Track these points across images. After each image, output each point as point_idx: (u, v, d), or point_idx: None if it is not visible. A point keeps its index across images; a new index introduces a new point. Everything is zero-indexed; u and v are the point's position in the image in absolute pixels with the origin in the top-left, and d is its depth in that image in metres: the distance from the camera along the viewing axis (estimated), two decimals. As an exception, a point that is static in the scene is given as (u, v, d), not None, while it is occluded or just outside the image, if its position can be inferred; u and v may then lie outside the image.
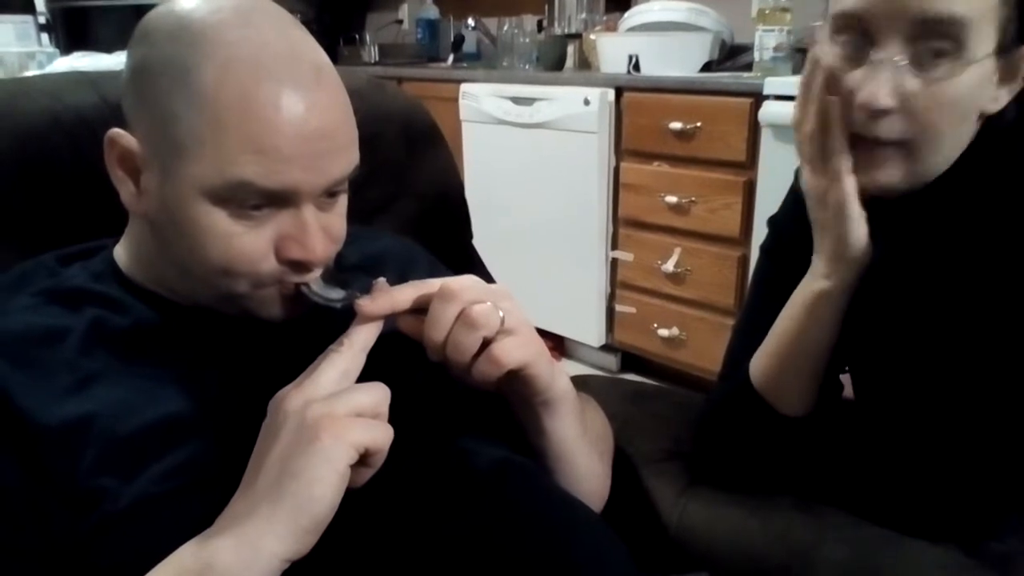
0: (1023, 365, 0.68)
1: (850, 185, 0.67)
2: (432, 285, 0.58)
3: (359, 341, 0.55)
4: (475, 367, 0.57)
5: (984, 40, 0.61)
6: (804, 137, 0.69)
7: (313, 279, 0.59)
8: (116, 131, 0.58)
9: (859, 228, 0.69)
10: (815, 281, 0.73)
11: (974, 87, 0.63)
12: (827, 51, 0.66)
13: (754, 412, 0.78)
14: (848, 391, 0.83)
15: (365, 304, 0.56)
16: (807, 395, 0.77)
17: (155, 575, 0.49)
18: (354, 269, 0.72)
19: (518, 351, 0.58)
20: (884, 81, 0.62)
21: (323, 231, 0.58)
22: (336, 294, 0.59)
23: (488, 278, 1.05)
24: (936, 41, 0.61)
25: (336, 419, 0.49)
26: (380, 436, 0.51)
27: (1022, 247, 0.67)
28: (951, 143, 0.66)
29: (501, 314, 0.57)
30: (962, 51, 0.61)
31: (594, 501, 0.73)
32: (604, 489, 0.75)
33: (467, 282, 0.58)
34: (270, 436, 0.51)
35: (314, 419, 0.49)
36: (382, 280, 0.58)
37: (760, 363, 0.78)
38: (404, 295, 0.57)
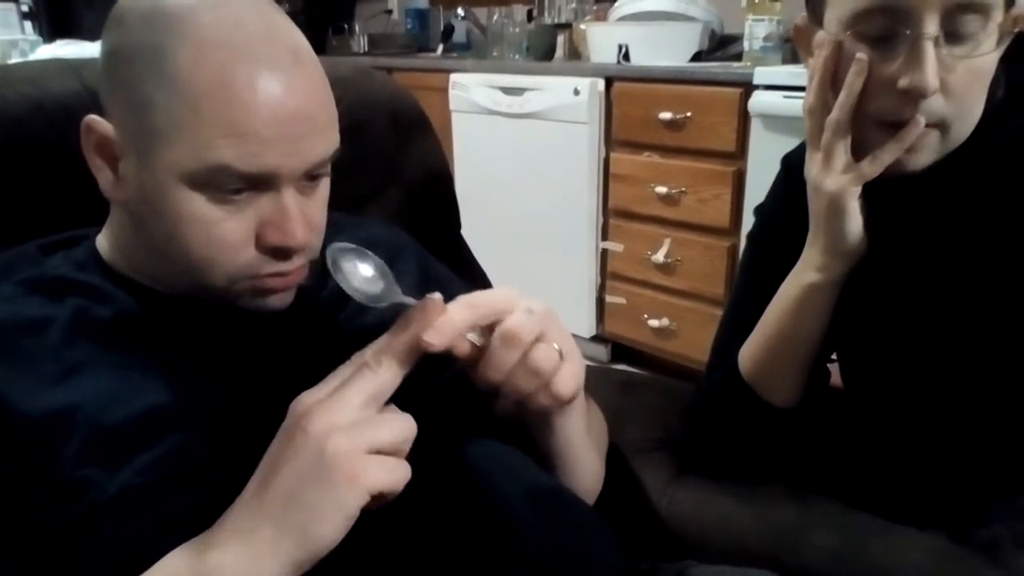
0: (1013, 350, 0.68)
1: (849, 180, 0.66)
2: (487, 308, 0.53)
3: (399, 364, 0.50)
4: (531, 401, 0.55)
5: (999, 7, 0.61)
6: (817, 123, 0.67)
7: (350, 271, 0.53)
8: (92, 118, 0.57)
9: (854, 222, 0.68)
10: (806, 273, 0.72)
11: (996, 57, 0.63)
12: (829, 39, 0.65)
13: (743, 403, 0.78)
14: (836, 379, 0.84)
15: (432, 340, 0.50)
16: (796, 386, 0.77)
17: None
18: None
19: (574, 380, 0.56)
20: (930, 62, 0.60)
21: (304, 217, 0.57)
22: (374, 287, 0.52)
23: (476, 268, 1.05)
24: (969, 16, 0.60)
25: (355, 458, 0.47)
26: (397, 479, 0.49)
27: (1014, 227, 0.67)
28: (974, 118, 0.65)
29: (557, 347, 0.54)
30: (988, 22, 0.61)
31: (589, 496, 0.73)
32: (599, 484, 0.75)
33: (523, 319, 0.53)
34: (287, 450, 0.49)
35: (334, 453, 0.47)
36: (438, 297, 0.52)
37: (749, 354, 0.78)
38: (463, 320, 0.52)
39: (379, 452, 0.48)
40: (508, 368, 0.53)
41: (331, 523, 0.47)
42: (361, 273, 0.53)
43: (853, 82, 0.64)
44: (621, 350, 2.49)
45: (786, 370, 0.76)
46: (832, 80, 0.66)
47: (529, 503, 0.61)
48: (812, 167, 0.69)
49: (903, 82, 0.61)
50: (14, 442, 0.53)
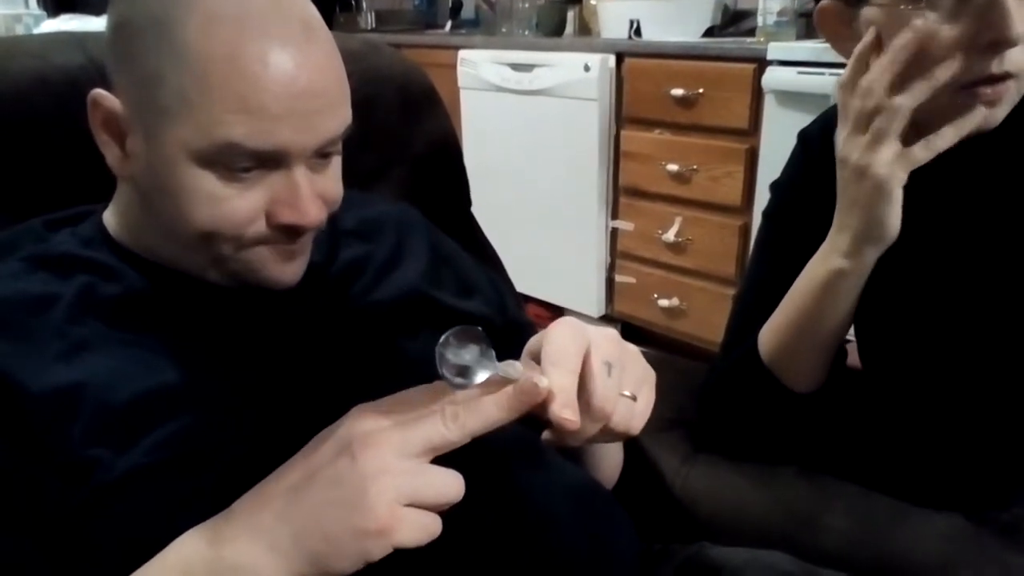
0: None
1: (900, 166, 0.63)
2: (577, 370, 0.48)
3: (474, 429, 0.45)
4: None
5: None
6: (863, 103, 0.63)
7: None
8: (99, 92, 0.56)
9: (896, 209, 0.65)
10: (835, 258, 0.69)
11: None
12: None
13: (760, 385, 0.77)
14: (852, 359, 0.82)
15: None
16: (817, 372, 0.75)
17: (160, 569, 0.47)
18: (350, 235, 0.70)
19: (647, 414, 0.53)
20: (1014, 9, 0.56)
21: (316, 194, 0.56)
22: (471, 358, 0.45)
23: (487, 246, 1.04)
24: None
25: (392, 510, 0.44)
26: (425, 536, 0.46)
27: None
28: None
29: (629, 393, 0.51)
30: None
31: (609, 483, 0.72)
32: (618, 471, 0.75)
33: (605, 383, 0.48)
34: (329, 467, 0.46)
35: (375, 500, 0.44)
36: (546, 383, 0.45)
37: (770, 337, 0.76)
38: (572, 388, 0.47)
39: (418, 505, 0.45)
40: (589, 435, 0.49)
41: (348, 562, 0.45)
42: (465, 358, 0.46)
43: (941, 74, 0.60)
44: (630, 330, 2.48)
45: (809, 355, 0.74)
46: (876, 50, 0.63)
47: (562, 498, 0.61)
48: (852, 150, 0.65)
49: (989, 36, 0.58)
50: (20, 421, 0.52)
